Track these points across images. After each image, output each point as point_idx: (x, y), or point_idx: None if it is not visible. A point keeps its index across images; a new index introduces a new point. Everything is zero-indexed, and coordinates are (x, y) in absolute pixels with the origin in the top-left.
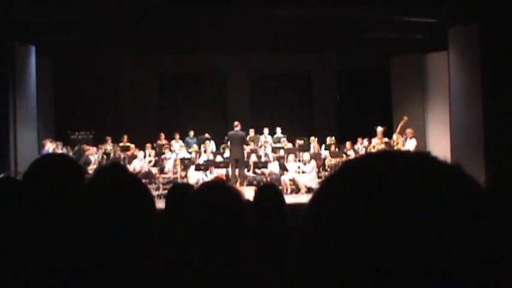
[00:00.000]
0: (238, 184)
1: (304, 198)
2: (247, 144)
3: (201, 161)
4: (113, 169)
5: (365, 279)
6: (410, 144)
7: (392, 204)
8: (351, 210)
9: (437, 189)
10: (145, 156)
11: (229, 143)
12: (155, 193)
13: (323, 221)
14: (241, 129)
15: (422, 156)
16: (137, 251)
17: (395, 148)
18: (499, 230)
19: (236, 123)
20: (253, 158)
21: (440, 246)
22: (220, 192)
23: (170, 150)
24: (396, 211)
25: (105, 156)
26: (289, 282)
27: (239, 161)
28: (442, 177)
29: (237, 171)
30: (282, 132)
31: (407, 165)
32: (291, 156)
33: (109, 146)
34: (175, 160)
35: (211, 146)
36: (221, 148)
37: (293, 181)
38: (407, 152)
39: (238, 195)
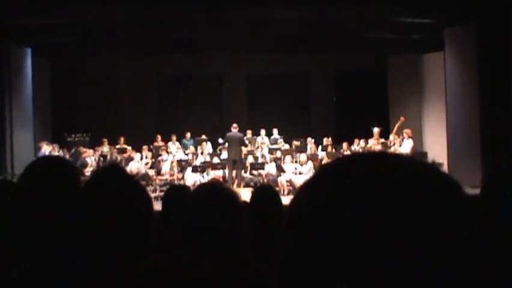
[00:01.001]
0: (235, 185)
1: None
2: (246, 146)
3: (197, 162)
4: (112, 170)
5: (346, 282)
6: (407, 145)
7: (368, 206)
8: (327, 213)
9: (415, 191)
10: (141, 158)
11: (227, 144)
12: (152, 195)
13: (301, 225)
14: (239, 131)
15: (396, 157)
16: (135, 253)
17: (392, 149)
18: (482, 235)
19: (234, 125)
20: (250, 159)
21: (419, 250)
22: (216, 193)
23: (167, 152)
24: (372, 214)
25: (102, 159)
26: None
27: (237, 162)
28: (422, 178)
29: (234, 172)
30: (279, 134)
31: (380, 167)
32: (288, 158)
33: (105, 148)
34: (172, 162)
35: (207, 147)
36: (218, 149)
37: (290, 182)
38: (381, 154)
39: (234, 196)
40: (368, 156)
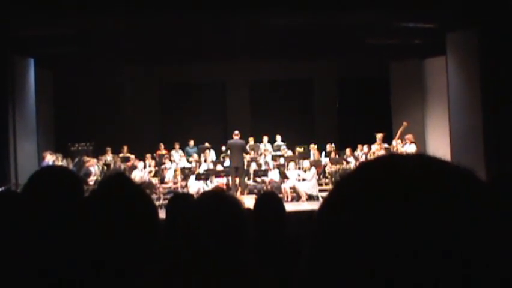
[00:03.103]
0: (238, 193)
1: (305, 206)
2: (247, 153)
3: (201, 170)
4: (118, 179)
5: (377, 283)
6: (410, 150)
7: (410, 208)
8: (367, 214)
9: (461, 195)
10: (145, 167)
11: (228, 151)
12: (155, 203)
13: (338, 224)
14: (241, 138)
15: (438, 160)
16: (139, 261)
17: None
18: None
19: (236, 132)
20: (253, 166)
21: (458, 249)
22: (220, 201)
23: (171, 160)
24: (413, 216)
25: (105, 168)
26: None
27: (239, 170)
28: (465, 183)
29: (237, 179)
30: (282, 140)
31: (424, 169)
32: (291, 164)
33: (109, 157)
34: (175, 170)
35: (211, 155)
36: (221, 157)
37: (294, 189)
38: (421, 155)
39: (238, 204)
40: (409, 157)
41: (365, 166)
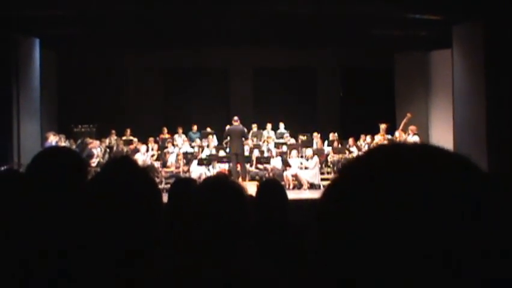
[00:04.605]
0: (240, 179)
1: (306, 194)
2: (247, 139)
3: (203, 155)
4: (123, 161)
5: (382, 274)
6: (413, 142)
7: (416, 198)
8: (369, 202)
9: (469, 184)
10: (147, 150)
11: (228, 137)
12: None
13: (341, 213)
14: (245, 125)
15: (441, 149)
16: (143, 246)
17: None
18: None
19: (235, 118)
20: (255, 153)
21: (472, 244)
22: (222, 187)
23: (173, 145)
24: (418, 205)
25: (108, 150)
26: (308, 274)
27: (239, 156)
28: (474, 175)
29: (238, 166)
30: (285, 128)
31: (425, 157)
32: (294, 152)
33: (113, 140)
34: (178, 154)
35: (213, 140)
36: (224, 143)
37: (296, 177)
38: (422, 145)
39: (240, 190)
40: (413, 146)
41: (368, 154)
